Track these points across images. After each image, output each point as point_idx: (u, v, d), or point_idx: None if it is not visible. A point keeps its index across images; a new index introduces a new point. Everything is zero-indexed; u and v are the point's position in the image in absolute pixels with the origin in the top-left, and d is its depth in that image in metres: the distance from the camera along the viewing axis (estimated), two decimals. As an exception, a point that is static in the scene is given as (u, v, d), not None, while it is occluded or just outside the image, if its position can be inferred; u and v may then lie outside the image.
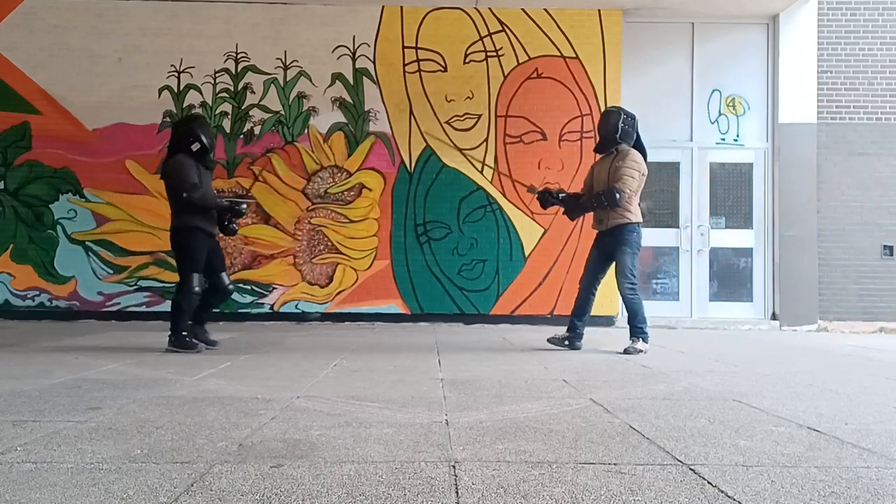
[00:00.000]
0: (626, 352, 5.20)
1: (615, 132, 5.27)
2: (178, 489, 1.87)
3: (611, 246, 5.31)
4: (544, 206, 5.64)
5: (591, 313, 5.56)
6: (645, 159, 5.31)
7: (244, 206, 5.32)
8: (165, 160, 5.14)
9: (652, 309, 7.85)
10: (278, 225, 7.97)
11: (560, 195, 5.51)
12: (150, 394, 3.31)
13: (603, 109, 5.64)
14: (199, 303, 5.12)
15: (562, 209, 5.62)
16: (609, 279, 5.59)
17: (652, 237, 8.01)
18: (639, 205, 5.36)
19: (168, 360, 4.61)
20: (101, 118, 8.04)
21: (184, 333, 5.04)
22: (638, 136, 5.37)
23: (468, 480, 1.97)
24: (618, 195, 5.11)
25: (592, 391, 3.54)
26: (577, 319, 5.47)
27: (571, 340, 5.46)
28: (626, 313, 5.40)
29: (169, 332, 5.06)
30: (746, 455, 2.29)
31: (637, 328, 5.26)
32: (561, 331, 5.56)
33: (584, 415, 2.93)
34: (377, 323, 7.86)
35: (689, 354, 5.31)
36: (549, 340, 5.50)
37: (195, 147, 5.07)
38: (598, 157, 5.55)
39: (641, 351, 5.20)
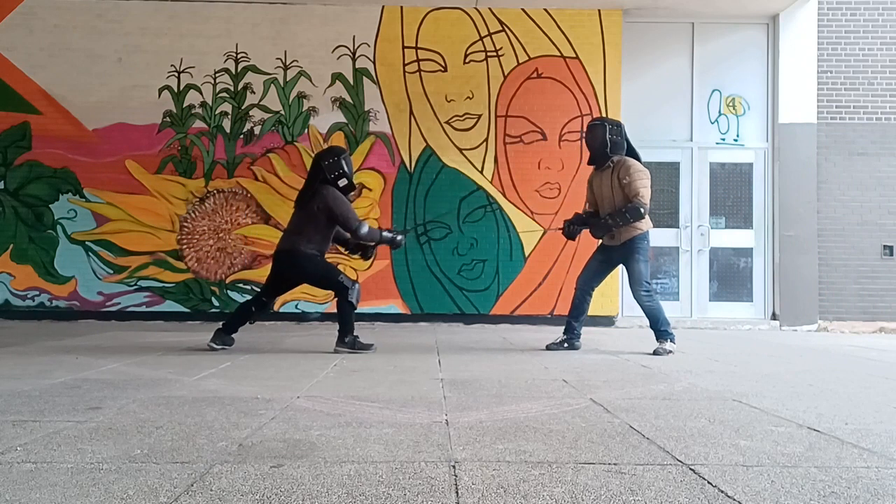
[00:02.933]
0: (655, 353, 5.12)
1: (605, 146, 5.18)
2: (178, 489, 1.87)
3: (622, 256, 5.27)
4: (572, 237, 5.54)
5: (592, 313, 5.55)
6: (639, 163, 5.24)
7: (401, 238, 5.34)
8: (309, 189, 5.10)
9: (652, 309, 7.88)
10: (278, 225, 7.95)
11: (584, 221, 5.39)
12: (150, 394, 3.31)
13: (588, 123, 5.49)
14: (241, 317, 5.22)
15: (587, 230, 5.46)
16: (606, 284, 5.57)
17: (652, 237, 7.95)
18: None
19: (168, 360, 4.61)
20: (101, 118, 8.04)
21: (355, 335, 5.11)
22: (628, 142, 5.28)
23: (468, 480, 1.97)
24: (642, 209, 5.07)
25: (592, 391, 3.54)
26: (574, 320, 5.44)
27: (570, 341, 5.43)
28: (646, 319, 5.32)
29: (339, 333, 5.10)
30: (746, 455, 2.29)
31: (661, 331, 5.19)
32: (560, 331, 5.56)
33: (584, 415, 2.93)
34: (377, 323, 7.86)
35: (689, 354, 5.30)
36: (547, 347, 5.44)
37: (342, 183, 5.09)
38: (593, 169, 5.43)
39: (670, 352, 5.13)
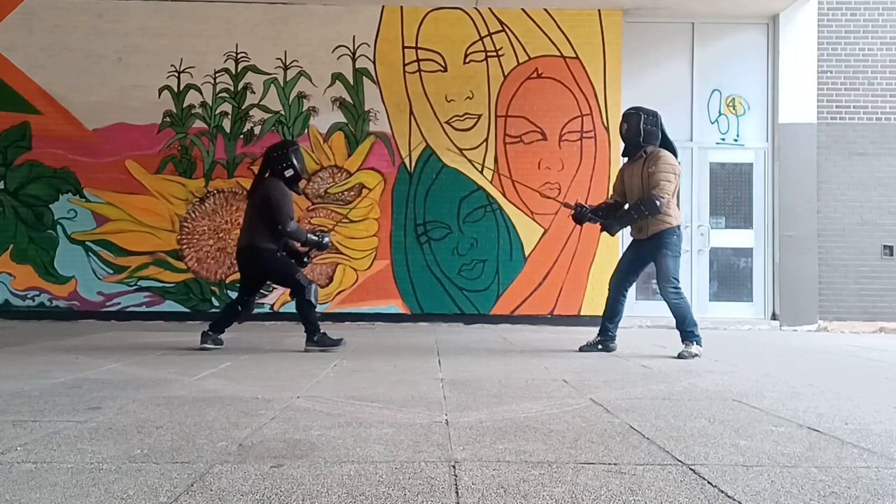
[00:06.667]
0: (680, 356, 4.94)
1: (638, 135, 5.03)
2: (178, 489, 1.87)
3: (650, 251, 5.08)
4: (580, 222, 5.39)
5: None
6: (675, 155, 5.07)
7: (327, 239, 5.34)
8: (258, 181, 5.19)
9: (652, 309, 7.88)
10: (278, 225, 7.96)
11: (598, 212, 5.26)
12: (150, 394, 3.31)
13: (623, 112, 5.33)
14: (228, 317, 5.26)
15: (599, 225, 5.30)
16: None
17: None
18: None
19: (168, 360, 4.61)
20: (101, 118, 8.04)
21: (323, 332, 5.16)
22: (664, 132, 5.11)
23: (468, 480, 1.97)
24: (658, 202, 4.86)
25: (592, 391, 3.54)
26: (609, 322, 5.30)
27: (605, 343, 5.31)
28: (673, 319, 5.13)
29: (306, 333, 5.15)
30: (746, 455, 2.29)
31: (688, 332, 5.01)
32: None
33: (584, 415, 2.93)
34: (377, 323, 7.86)
35: (689, 354, 5.29)
36: (580, 349, 5.32)
37: (289, 173, 5.13)
38: (626, 160, 5.28)
39: (697, 355, 4.93)
